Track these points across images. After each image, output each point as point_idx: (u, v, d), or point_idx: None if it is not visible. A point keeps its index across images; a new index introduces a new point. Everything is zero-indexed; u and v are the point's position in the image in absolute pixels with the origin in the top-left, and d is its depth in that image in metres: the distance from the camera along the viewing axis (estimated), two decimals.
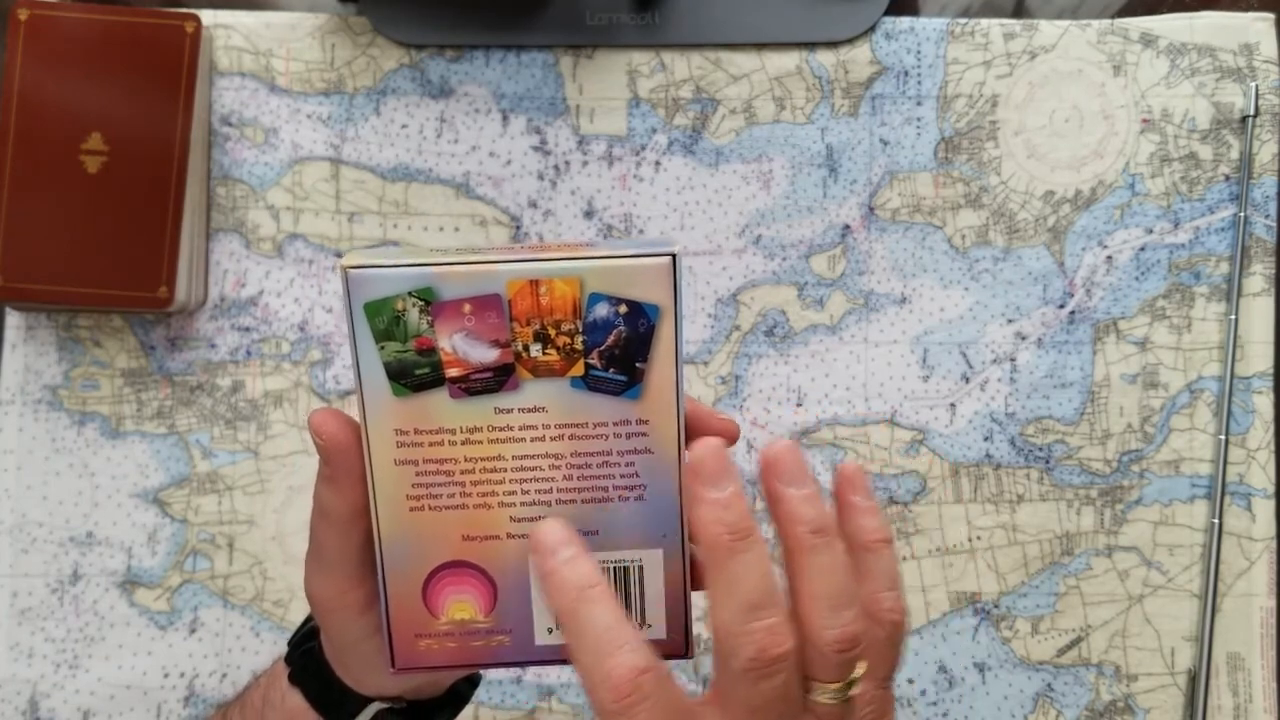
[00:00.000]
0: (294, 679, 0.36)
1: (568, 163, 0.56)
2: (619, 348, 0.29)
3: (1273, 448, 0.55)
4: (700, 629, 0.54)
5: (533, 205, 0.56)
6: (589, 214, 0.56)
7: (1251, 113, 0.55)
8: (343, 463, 0.30)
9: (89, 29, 0.52)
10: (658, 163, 0.56)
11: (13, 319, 0.55)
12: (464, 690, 0.39)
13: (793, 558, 0.29)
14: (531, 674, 0.54)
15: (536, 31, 0.56)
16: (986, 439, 0.55)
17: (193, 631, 0.54)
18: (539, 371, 0.29)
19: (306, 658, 0.36)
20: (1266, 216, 0.55)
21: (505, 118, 0.56)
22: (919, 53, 0.56)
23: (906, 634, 0.31)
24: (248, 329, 0.55)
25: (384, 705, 0.36)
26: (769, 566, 0.28)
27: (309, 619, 0.38)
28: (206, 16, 0.55)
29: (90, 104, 0.51)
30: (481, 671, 0.40)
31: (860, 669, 0.29)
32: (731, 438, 0.32)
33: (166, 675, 0.53)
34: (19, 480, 0.54)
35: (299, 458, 0.54)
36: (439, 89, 0.56)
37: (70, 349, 0.55)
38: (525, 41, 0.56)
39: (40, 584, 0.53)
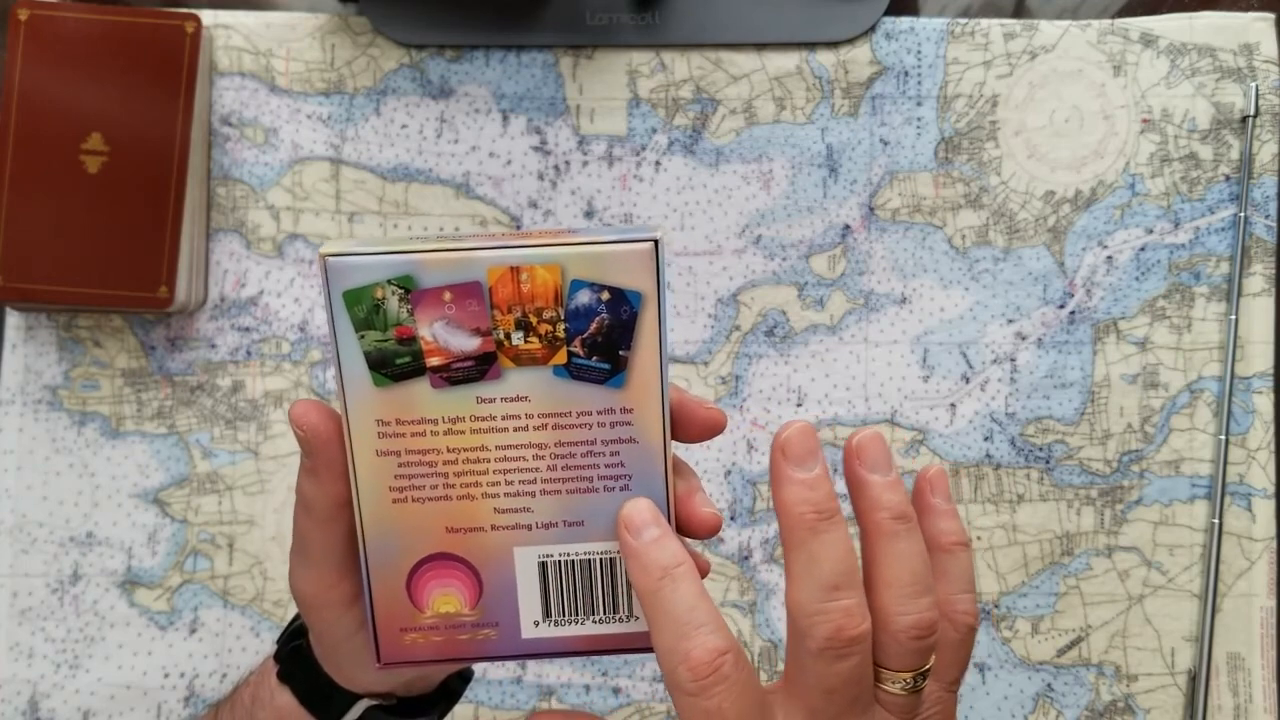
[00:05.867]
0: (282, 676, 0.36)
1: (568, 163, 0.56)
2: (602, 335, 0.29)
3: (1273, 448, 0.55)
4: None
5: (533, 205, 0.56)
6: (589, 214, 0.56)
7: (1251, 113, 0.55)
8: (324, 454, 0.30)
9: (89, 29, 0.52)
10: (658, 163, 0.56)
11: (13, 319, 0.55)
12: (456, 686, 0.39)
13: (872, 544, 0.29)
14: (531, 674, 0.54)
15: (536, 31, 0.56)
16: (986, 439, 0.55)
17: (193, 631, 0.54)
18: (521, 360, 0.29)
19: (295, 654, 0.36)
20: (1266, 216, 0.55)
21: (505, 118, 0.56)
22: (919, 53, 0.56)
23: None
24: (248, 329, 0.55)
25: (374, 702, 0.35)
26: (850, 548, 0.28)
27: (298, 615, 0.37)
28: (206, 16, 0.55)
29: (90, 104, 0.51)
30: (474, 667, 0.40)
31: (931, 661, 0.29)
32: (717, 427, 0.31)
33: (166, 675, 0.53)
34: (19, 480, 0.54)
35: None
36: (439, 89, 0.56)
37: (70, 349, 0.55)
38: (525, 41, 0.56)
39: (40, 584, 0.53)
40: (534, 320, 0.28)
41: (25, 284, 0.51)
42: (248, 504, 0.54)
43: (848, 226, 0.56)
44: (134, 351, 0.55)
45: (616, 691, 0.54)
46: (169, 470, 0.54)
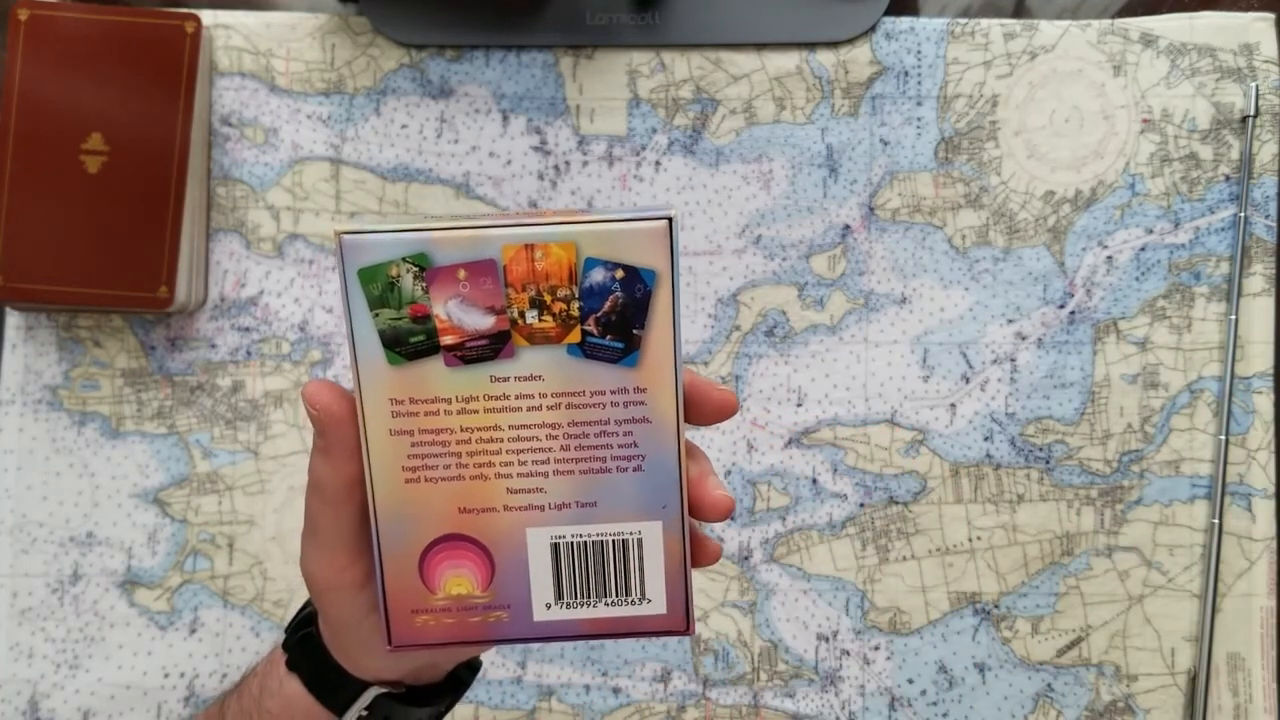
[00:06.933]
0: (291, 664, 0.36)
1: (568, 163, 0.56)
2: (616, 314, 0.28)
3: (1273, 448, 0.55)
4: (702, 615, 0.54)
5: (533, 205, 0.56)
6: None
7: (1251, 113, 0.55)
8: (337, 434, 0.29)
9: (89, 29, 0.52)
10: (658, 163, 0.56)
11: (13, 319, 0.55)
12: (464, 676, 0.38)
13: None
14: (531, 674, 0.54)
15: (536, 31, 0.56)
16: (986, 439, 0.55)
17: (193, 631, 0.54)
18: (535, 339, 0.29)
19: (304, 642, 0.36)
20: (1266, 216, 0.55)
21: (505, 118, 0.56)
22: (919, 53, 0.56)
23: None
24: (248, 329, 0.55)
25: (383, 690, 0.35)
26: None
27: (307, 604, 0.37)
28: (206, 16, 0.55)
29: (90, 104, 0.51)
30: (481, 656, 0.40)
31: None
32: (730, 409, 0.31)
33: (166, 675, 0.53)
34: (19, 480, 0.54)
35: (299, 458, 0.54)
36: (439, 89, 0.56)
37: (70, 349, 0.55)
38: (525, 41, 0.56)
39: (40, 584, 0.53)
40: (548, 299, 0.28)
41: (25, 284, 0.51)
42: (248, 504, 0.54)
43: (848, 226, 0.56)
44: (134, 351, 0.55)
45: (616, 691, 0.54)
46: (169, 470, 0.54)
